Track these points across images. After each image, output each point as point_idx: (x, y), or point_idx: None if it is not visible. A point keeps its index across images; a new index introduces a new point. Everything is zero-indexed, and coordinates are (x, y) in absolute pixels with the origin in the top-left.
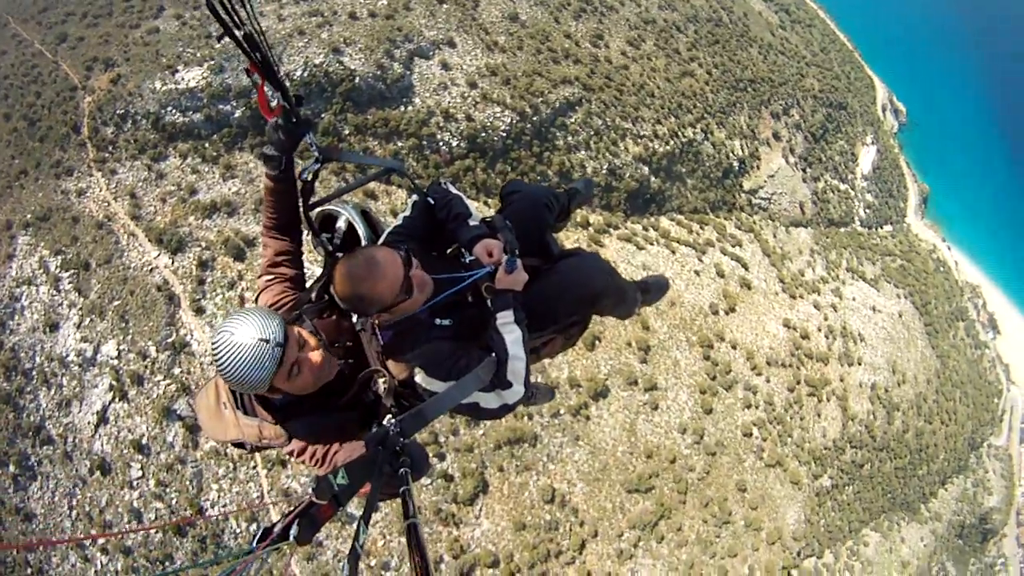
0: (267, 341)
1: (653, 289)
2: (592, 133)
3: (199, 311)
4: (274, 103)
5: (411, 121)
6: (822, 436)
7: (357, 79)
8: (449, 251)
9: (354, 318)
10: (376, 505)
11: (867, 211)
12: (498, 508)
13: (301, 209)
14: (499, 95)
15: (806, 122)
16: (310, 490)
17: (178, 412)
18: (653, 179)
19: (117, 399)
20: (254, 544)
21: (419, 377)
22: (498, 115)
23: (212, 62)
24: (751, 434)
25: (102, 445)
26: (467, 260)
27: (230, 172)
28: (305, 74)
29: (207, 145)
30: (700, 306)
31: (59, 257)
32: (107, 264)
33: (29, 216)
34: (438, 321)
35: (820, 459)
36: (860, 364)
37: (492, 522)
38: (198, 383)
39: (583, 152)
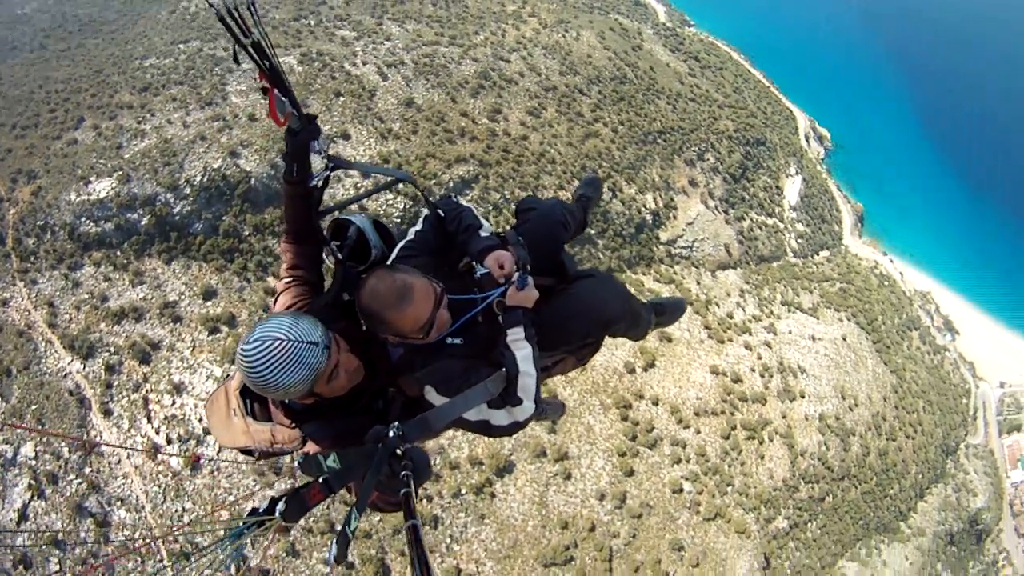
0: (315, 344)
1: (669, 310)
2: (491, 207)
3: (107, 413)
4: (282, 112)
5: None
6: (769, 478)
7: (253, 180)
8: (461, 265)
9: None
10: (368, 495)
11: (799, 241)
12: None
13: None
14: None
15: (723, 164)
16: (297, 463)
17: (89, 509)
18: None
19: (36, 497)
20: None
21: (430, 395)
22: (391, 202)
23: (120, 172)
24: (682, 490)
25: (24, 540)
26: (478, 274)
27: (139, 279)
28: (205, 179)
29: (118, 253)
30: (614, 367)
31: None
32: (26, 370)
33: None
34: (449, 340)
35: (770, 502)
36: (803, 397)
37: None
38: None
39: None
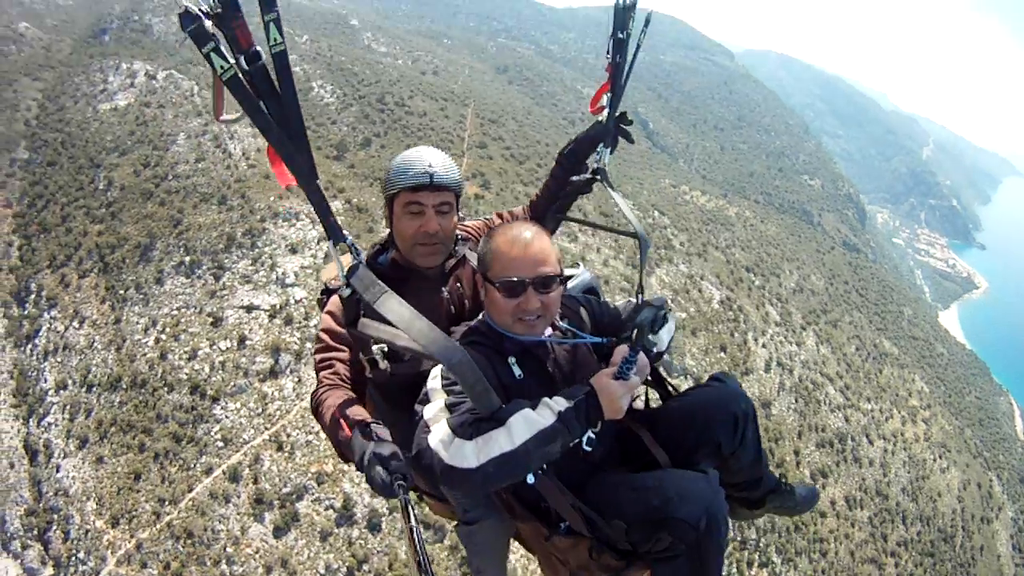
0: (453, 178)
1: (802, 499)
2: None
3: None
4: (601, 104)
5: None
6: None
7: None
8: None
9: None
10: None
11: None
12: None
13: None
14: None
15: None
16: None
17: None
18: None
19: None
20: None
21: (441, 372)
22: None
23: None
24: None
25: None
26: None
27: None
28: None
29: None
30: None
31: None
32: None
33: None
34: (512, 360)
35: None
36: None
37: None
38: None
39: None
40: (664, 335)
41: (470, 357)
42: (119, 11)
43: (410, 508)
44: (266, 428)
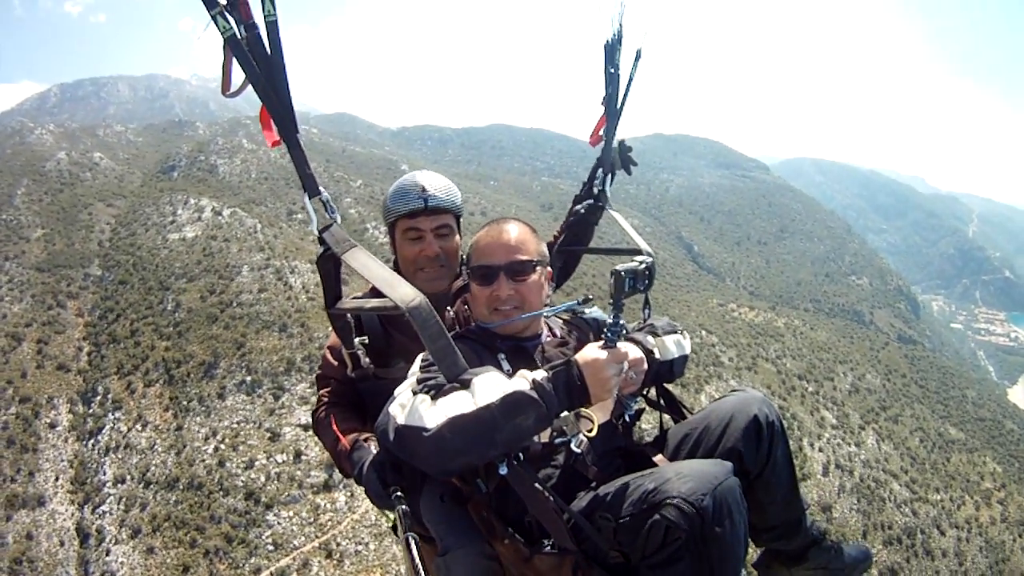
0: (450, 199)
1: (851, 561)
2: None
3: None
4: (600, 135)
5: None
6: None
7: None
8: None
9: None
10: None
11: None
12: None
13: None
14: None
15: None
16: None
17: None
18: None
19: None
20: None
21: (421, 356)
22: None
23: None
24: None
25: None
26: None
27: None
28: None
29: None
30: None
31: None
32: None
33: None
34: (502, 357)
35: None
36: None
37: None
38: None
39: None
40: (670, 344)
41: (433, 308)
42: (186, 151)
43: (406, 518)
44: (317, 536)
